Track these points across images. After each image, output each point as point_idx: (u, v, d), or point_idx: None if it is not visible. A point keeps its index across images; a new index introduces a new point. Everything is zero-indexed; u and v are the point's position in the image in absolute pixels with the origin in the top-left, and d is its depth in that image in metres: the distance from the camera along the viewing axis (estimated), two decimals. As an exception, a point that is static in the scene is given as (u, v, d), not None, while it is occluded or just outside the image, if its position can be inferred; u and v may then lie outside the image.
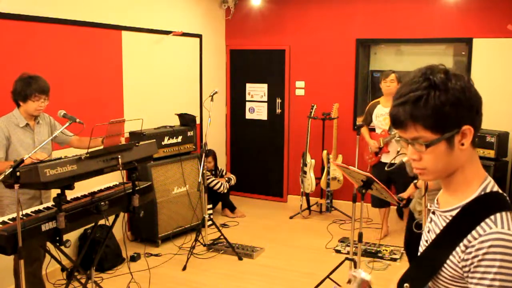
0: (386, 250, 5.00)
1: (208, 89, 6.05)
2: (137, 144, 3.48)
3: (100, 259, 4.15)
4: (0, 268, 3.80)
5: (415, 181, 3.72)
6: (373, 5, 6.15)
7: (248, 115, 7.08)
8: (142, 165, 4.82)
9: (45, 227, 2.84)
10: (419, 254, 1.35)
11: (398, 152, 4.84)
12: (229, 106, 7.19)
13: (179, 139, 5.50)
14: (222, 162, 7.02)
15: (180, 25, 5.95)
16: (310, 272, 4.56)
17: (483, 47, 5.64)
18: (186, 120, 5.70)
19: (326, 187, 6.16)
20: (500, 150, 5.15)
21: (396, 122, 1.24)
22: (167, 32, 5.75)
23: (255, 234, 5.62)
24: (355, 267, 3.80)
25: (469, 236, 1.17)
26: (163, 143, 5.27)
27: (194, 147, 5.70)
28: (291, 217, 6.22)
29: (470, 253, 1.16)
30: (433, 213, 1.36)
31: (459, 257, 1.18)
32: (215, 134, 6.79)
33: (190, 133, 5.63)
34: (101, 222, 3.65)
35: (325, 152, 6.19)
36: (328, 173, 6.12)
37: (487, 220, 1.17)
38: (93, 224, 3.58)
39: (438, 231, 1.29)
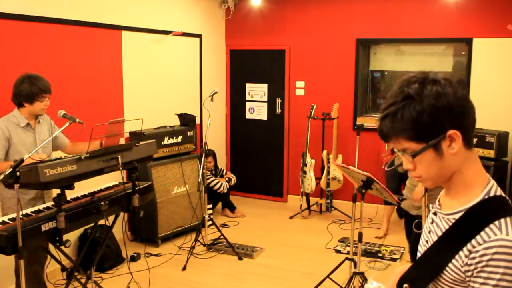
0: (386, 250, 5.00)
1: (208, 89, 6.05)
2: (137, 144, 3.48)
3: (100, 259, 4.15)
4: (0, 268, 3.80)
5: None
6: (373, 5, 6.15)
7: (248, 115, 7.08)
8: (142, 165, 4.82)
9: (45, 227, 2.84)
10: (419, 255, 1.35)
11: None
12: (229, 106, 7.19)
13: (179, 139, 5.50)
14: (222, 162, 7.02)
15: (180, 25, 5.96)
16: (310, 272, 4.56)
17: (483, 47, 5.64)
18: (186, 120, 5.70)
19: (326, 187, 6.17)
20: (500, 150, 5.15)
21: (382, 136, 1.26)
22: (167, 32, 5.75)
23: (255, 234, 5.62)
24: (355, 267, 3.80)
25: (473, 241, 1.16)
26: (163, 143, 5.27)
27: (194, 147, 5.70)
28: (291, 217, 6.22)
29: (474, 258, 1.15)
30: (435, 213, 1.35)
31: (462, 261, 1.18)
32: (215, 134, 6.79)
33: (190, 133, 5.63)
34: (101, 222, 3.65)
35: (325, 152, 6.19)
36: (328, 173, 6.12)
37: (492, 226, 1.16)
38: (93, 224, 3.57)
39: (440, 233, 1.28)
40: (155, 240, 5.17)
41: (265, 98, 6.93)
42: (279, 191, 6.99)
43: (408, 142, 1.21)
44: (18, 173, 2.68)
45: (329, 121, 6.18)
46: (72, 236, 4.48)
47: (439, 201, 1.36)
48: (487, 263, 1.13)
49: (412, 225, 3.62)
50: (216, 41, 6.84)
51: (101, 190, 3.46)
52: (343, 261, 4.06)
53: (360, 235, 3.70)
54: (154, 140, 3.82)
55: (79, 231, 4.59)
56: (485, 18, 5.61)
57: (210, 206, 5.73)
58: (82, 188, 3.37)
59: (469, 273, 1.16)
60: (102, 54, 4.88)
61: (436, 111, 1.17)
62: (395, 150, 1.29)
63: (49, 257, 3.46)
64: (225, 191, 6.12)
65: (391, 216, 5.62)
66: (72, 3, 4.49)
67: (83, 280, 3.64)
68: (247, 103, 7.07)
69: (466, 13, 5.70)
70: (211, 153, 6.09)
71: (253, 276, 4.54)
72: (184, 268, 4.64)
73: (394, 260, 4.81)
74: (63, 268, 3.40)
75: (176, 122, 5.72)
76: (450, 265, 1.20)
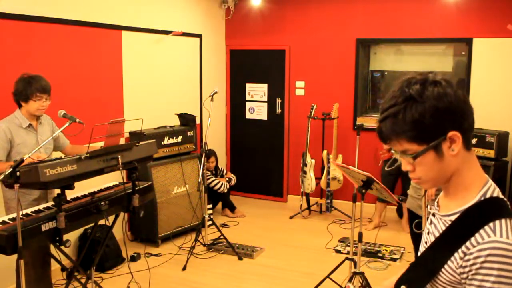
0: (386, 250, 5.00)
1: (208, 89, 6.05)
2: (137, 144, 3.48)
3: (100, 259, 4.14)
4: (1, 268, 3.80)
5: None
6: (373, 5, 6.15)
7: (248, 115, 7.08)
8: (142, 165, 4.82)
9: (45, 227, 2.84)
10: (417, 256, 1.35)
11: None
12: (229, 106, 7.19)
13: (179, 139, 5.50)
14: (222, 162, 7.01)
15: (180, 25, 5.96)
16: (310, 272, 4.56)
17: (483, 47, 5.64)
18: (186, 120, 5.70)
19: (326, 187, 6.17)
20: (500, 150, 5.15)
21: (382, 138, 1.26)
22: (167, 32, 5.75)
23: (255, 234, 5.62)
24: (355, 267, 3.80)
25: (467, 243, 1.16)
26: (163, 143, 5.27)
27: (194, 147, 5.70)
28: (291, 217, 6.22)
29: (468, 260, 1.15)
30: (433, 215, 1.35)
31: (457, 263, 1.18)
32: (215, 134, 6.79)
33: (190, 133, 5.63)
34: (101, 222, 3.65)
35: (325, 152, 6.19)
36: (328, 173, 6.12)
37: (486, 228, 1.16)
38: (93, 224, 3.57)
39: (437, 234, 1.29)
40: (155, 240, 5.17)
41: (265, 98, 6.93)
42: (279, 191, 6.99)
43: (409, 143, 1.20)
44: (18, 173, 2.69)
45: (329, 121, 6.18)
46: (72, 236, 4.48)
47: (437, 202, 1.36)
48: (481, 265, 1.13)
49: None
50: (216, 41, 6.84)
51: (101, 190, 3.46)
52: (343, 261, 4.06)
53: (360, 235, 3.70)
54: (154, 140, 3.82)
55: (79, 231, 4.59)
56: (485, 18, 5.61)
57: (210, 206, 5.73)
58: (82, 188, 3.37)
59: (464, 275, 1.16)
60: (102, 54, 4.88)
61: (438, 112, 1.17)
62: (394, 151, 1.28)
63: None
64: (225, 191, 6.12)
65: (383, 212, 5.74)
66: (72, 3, 4.49)
67: (83, 280, 3.64)
68: (247, 103, 7.07)
69: (466, 13, 5.70)
70: (213, 153, 6.09)
71: (253, 276, 4.54)
72: (184, 268, 4.64)
73: (394, 260, 4.81)
74: (63, 268, 3.40)
75: (176, 122, 5.72)
76: (445, 266, 1.20)
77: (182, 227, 5.41)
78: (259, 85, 6.95)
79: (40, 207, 3.13)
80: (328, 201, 6.24)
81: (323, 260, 4.81)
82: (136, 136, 4.83)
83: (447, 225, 1.26)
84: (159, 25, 5.65)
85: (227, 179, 6.20)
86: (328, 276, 4.03)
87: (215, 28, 6.80)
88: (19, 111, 3.45)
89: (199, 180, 4.73)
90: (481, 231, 1.16)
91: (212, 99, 4.99)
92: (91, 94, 4.77)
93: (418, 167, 1.23)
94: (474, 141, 5.18)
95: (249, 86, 7.02)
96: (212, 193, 5.97)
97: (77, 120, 3.28)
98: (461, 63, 5.95)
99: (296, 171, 6.70)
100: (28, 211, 3.03)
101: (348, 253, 4.59)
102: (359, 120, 6.28)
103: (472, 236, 1.16)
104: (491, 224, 1.16)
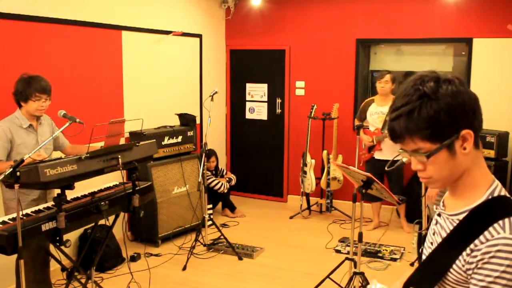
0: (386, 250, 5.00)
1: (208, 89, 6.05)
2: (137, 144, 3.48)
3: (100, 259, 4.14)
4: (1, 268, 3.80)
5: None
6: (373, 5, 6.15)
7: (248, 115, 7.08)
8: (142, 165, 4.82)
9: (45, 227, 2.84)
10: (424, 256, 1.34)
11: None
12: (229, 106, 7.19)
13: (179, 139, 5.50)
14: (222, 162, 7.01)
15: (180, 25, 5.96)
16: (310, 272, 4.56)
17: (483, 47, 5.64)
18: (186, 120, 5.70)
19: (326, 187, 6.16)
20: (500, 150, 5.15)
21: (394, 136, 1.23)
22: (167, 32, 5.75)
23: (255, 234, 5.62)
24: (355, 267, 3.80)
25: (476, 241, 1.16)
26: (163, 143, 5.27)
27: (194, 147, 5.70)
28: (291, 217, 6.22)
29: (475, 256, 1.15)
30: (439, 215, 1.34)
31: (464, 260, 1.17)
32: (215, 134, 6.79)
33: (190, 133, 5.63)
34: (101, 222, 3.65)
35: (325, 152, 6.19)
36: (328, 173, 6.12)
37: (495, 225, 1.15)
38: (93, 224, 3.58)
39: (444, 234, 1.27)
40: (155, 240, 5.17)
41: (265, 98, 6.93)
42: (279, 191, 6.99)
43: (423, 141, 1.19)
44: (18, 173, 2.69)
45: (329, 121, 6.18)
46: (72, 236, 4.47)
47: (443, 202, 1.35)
48: (489, 260, 1.12)
49: None
50: (216, 41, 6.84)
51: (101, 190, 3.47)
52: (343, 261, 4.06)
53: (360, 235, 3.70)
54: (154, 140, 3.82)
55: (79, 231, 4.59)
56: (485, 18, 5.61)
57: (210, 206, 5.73)
58: (82, 188, 3.37)
59: (470, 271, 1.16)
60: (102, 54, 4.88)
61: (453, 110, 1.16)
62: (402, 150, 1.26)
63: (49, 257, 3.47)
64: (226, 191, 6.12)
65: (379, 211, 5.77)
66: (72, 3, 4.49)
67: (83, 280, 3.64)
68: (247, 103, 7.07)
69: (466, 13, 5.70)
70: (214, 153, 6.10)
71: (253, 276, 4.54)
72: (184, 268, 4.64)
73: (394, 260, 4.81)
74: (63, 268, 3.40)
75: (176, 122, 5.72)
76: (453, 266, 1.20)
77: (182, 227, 5.41)
78: (259, 85, 6.95)
79: (40, 207, 3.13)
80: (328, 201, 6.24)
81: (323, 260, 4.81)
82: (136, 136, 4.83)
83: (455, 224, 1.25)
84: (159, 25, 5.65)
85: (227, 179, 6.20)
86: (328, 276, 4.03)
87: (215, 28, 6.80)
88: (19, 111, 3.45)
89: (199, 180, 4.73)
90: (490, 228, 1.15)
91: (212, 99, 4.98)
92: (91, 94, 4.77)
93: (430, 166, 1.22)
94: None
95: (249, 86, 7.02)
96: (212, 193, 5.97)
97: (77, 120, 3.28)
98: (461, 63, 5.95)
99: (296, 171, 6.70)
100: (28, 211, 3.03)
101: (348, 253, 4.59)
102: (358, 121, 6.27)
103: (481, 234, 1.16)
104: (500, 222, 1.15)
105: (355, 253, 3.83)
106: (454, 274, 1.20)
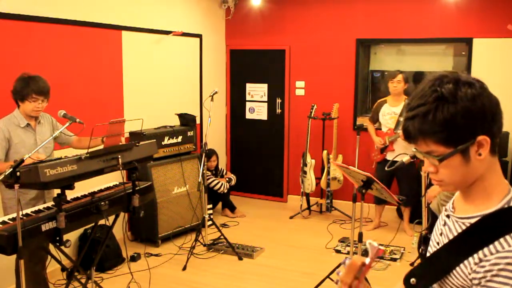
0: (386, 250, 5.00)
1: (208, 89, 6.05)
2: (137, 144, 3.48)
3: (100, 259, 4.15)
4: (0, 268, 3.80)
5: None
6: (373, 5, 6.15)
7: (248, 115, 7.08)
8: (142, 165, 4.82)
9: (45, 227, 2.84)
10: (429, 253, 1.31)
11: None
12: (229, 106, 7.19)
13: (179, 139, 5.50)
14: (222, 162, 7.01)
15: (180, 25, 5.96)
16: (310, 272, 4.56)
17: (483, 47, 5.64)
18: (186, 120, 5.70)
19: (326, 187, 6.16)
20: (500, 150, 5.13)
21: (408, 136, 1.20)
22: (167, 32, 5.75)
23: (255, 234, 5.62)
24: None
25: (485, 250, 1.12)
26: (163, 143, 5.27)
27: (194, 147, 5.70)
28: (291, 217, 6.22)
29: (483, 266, 1.11)
30: (447, 216, 1.31)
31: (471, 268, 1.14)
32: (215, 134, 6.79)
33: (190, 133, 5.63)
34: (101, 222, 3.65)
35: (325, 152, 6.19)
36: (328, 173, 6.12)
37: (508, 237, 1.11)
38: (93, 224, 3.58)
39: (451, 236, 1.24)
40: (155, 240, 5.17)
41: (265, 98, 6.93)
42: (279, 191, 6.99)
43: (436, 145, 1.15)
44: (18, 173, 2.69)
45: (329, 121, 6.18)
46: (72, 236, 4.48)
47: (453, 204, 1.32)
48: (498, 272, 1.08)
49: None
50: (216, 41, 6.84)
51: (101, 190, 3.47)
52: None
53: (360, 235, 3.70)
54: (154, 140, 3.83)
55: (79, 231, 4.59)
56: (485, 18, 5.61)
57: (210, 206, 5.73)
58: (82, 188, 3.37)
59: (476, 281, 1.12)
60: (102, 54, 4.88)
61: (470, 114, 1.12)
62: (416, 151, 1.23)
63: (49, 257, 3.47)
64: (226, 191, 6.12)
65: (382, 212, 5.77)
66: (72, 3, 4.49)
67: (83, 280, 3.64)
68: (247, 103, 7.07)
69: (466, 13, 5.70)
70: (214, 152, 6.10)
71: (253, 276, 4.54)
72: (184, 268, 4.64)
73: (394, 260, 4.81)
74: (63, 268, 3.40)
75: (176, 122, 5.72)
76: (458, 269, 1.17)
77: (182, 227, 5.41)
78: (259, 85, 6.95)
79: (40, 207, 3.13)
80: (328, 201, 6.24)
81: (323, 260, 4.81)
82: (136, 136, 4.82)
83: (464, 227, 1.21)
84: (159, 25, 5.65)
85: (227, 179, 6.20)
86: (328, 276, 4.04)
87: (215, 28, 6.80)
88: (17, 111, 3.45)
89: (199, 180, 4.73)
90: (502, 239, 1.11)
91: (212, 99, 4.98)
92: (91, 94, 4.77)
93: (442, 169, 1.19)
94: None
95: (249, 86, 7.02)
96: (212, 193, 5.97)
97: (77, 120, 3.28)
98: (461, 63, 5.95)
99: (296, 171, 6.70)
100: (28, 211, 3.03)
101: (348, 253, 4.59)
102: (359, 120, 6.28)
103: (491, 243, 1.12)
104: None
105: (355, 253, 3.83)
106: (456, 278, 1.17)
